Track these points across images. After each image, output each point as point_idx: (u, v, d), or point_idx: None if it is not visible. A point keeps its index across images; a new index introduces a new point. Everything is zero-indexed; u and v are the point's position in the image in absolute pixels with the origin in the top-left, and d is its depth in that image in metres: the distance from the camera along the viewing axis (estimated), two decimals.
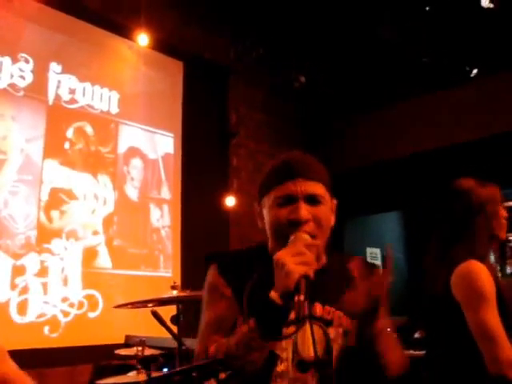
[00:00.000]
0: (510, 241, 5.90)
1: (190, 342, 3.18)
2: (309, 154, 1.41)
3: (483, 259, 1.80)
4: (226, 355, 1.19)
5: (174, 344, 2.95)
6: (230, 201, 5.20)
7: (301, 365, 1.27)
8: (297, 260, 1.14)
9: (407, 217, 7.95)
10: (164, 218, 4.64)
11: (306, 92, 5.90)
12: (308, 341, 1.26)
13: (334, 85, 5.90)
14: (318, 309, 1.30)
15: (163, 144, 4.75)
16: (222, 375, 1.53)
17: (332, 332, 1.29)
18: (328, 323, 1.30)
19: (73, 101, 4.13)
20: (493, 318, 1.68)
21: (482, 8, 4.65)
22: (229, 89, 5.47)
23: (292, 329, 1.13)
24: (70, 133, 4.07)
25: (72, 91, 4.14)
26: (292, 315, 1.11)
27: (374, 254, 7.20)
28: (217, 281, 1.37)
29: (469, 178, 1.96)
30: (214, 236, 5.01)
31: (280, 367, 1.27)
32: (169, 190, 4.73)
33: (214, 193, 5.11)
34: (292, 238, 1.22)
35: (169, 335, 3.32)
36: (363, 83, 5.79)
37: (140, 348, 2.86)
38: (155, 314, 2.15)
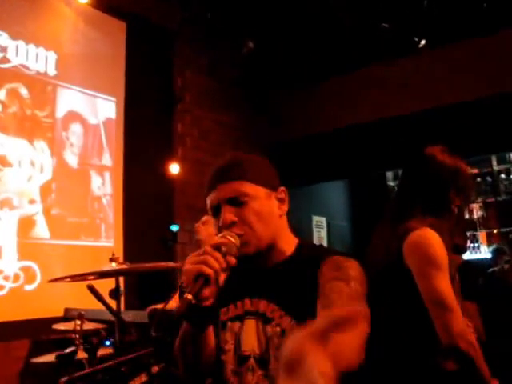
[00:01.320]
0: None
1: (130, 316, 3.09)
2: (245, 153, 1.44)
3: (439, 231, 1.77)
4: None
5: (111, 317, 2.86)
6: (175, 168, 5.06)
7: (239, 358, 1.32)
8: (195, 260, 1.18)
9: (353, 186, 8.06)
10: (105, 186, 4.46)
11: (254, 58, 5.78)
12: (247, 336, 1.31)
13: (281, 52, 5.80)
14: (263, 305, 1.32)
15: (104, 108, 4.53)
16: (155, 368, 1.49)
17: (269, 330, 1.30)
18: (268, 321, 1.30)
19: (4, 60, 3.84)
20: (446, 285, 1.67)
21: None
22: (175, 53, 5.27)
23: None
24: (1, 94, 3.79)
25: (3, 49, 3.84)
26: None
27: (319, 223, 7.27)
28: None
29: (436, 145, 1.93)
30: (158, 204, 4.89)
31: (223, 357, 1.34)
32: (110, 157, 4.54)
33: (157, 160, 4.95)
34: (219, 235, 1.26)
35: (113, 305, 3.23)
36: (312, 51, 5.71)
37: (79, 322, 2.76)
38: (91, 289, 2.04)
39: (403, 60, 5.55)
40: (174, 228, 4.90)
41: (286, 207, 1.39)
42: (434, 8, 4.90)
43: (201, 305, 1.18)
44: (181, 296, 2.57)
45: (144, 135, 4.80)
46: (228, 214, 1.29)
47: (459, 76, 5.28)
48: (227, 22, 5.42)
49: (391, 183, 6.39)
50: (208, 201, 1.36)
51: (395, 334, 1.80)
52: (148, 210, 4.68)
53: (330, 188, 7.64)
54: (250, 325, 1.31)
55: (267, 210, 1.33)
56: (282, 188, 1.40)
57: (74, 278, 2.18)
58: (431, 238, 1.73)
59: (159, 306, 2.98)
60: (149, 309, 3.00)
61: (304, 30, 5.42)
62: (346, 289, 1.19)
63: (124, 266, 2.28)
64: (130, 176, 4.62)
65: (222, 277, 1.21)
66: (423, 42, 5.35)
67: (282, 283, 1.32)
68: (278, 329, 1.28)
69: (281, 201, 1.39)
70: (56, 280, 2.34)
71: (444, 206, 1.86)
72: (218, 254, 1.18)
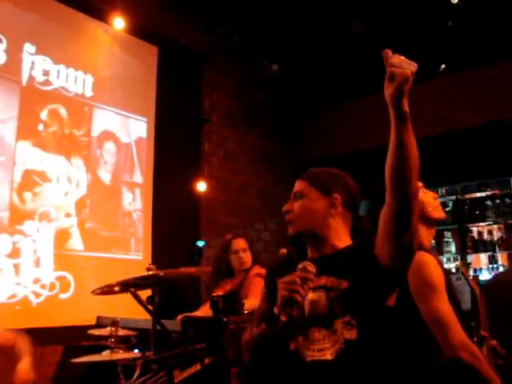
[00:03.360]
0: (471, 231, 6.16)
1: (165, 323, 3.26)
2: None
3: (428, 250, 1.93)
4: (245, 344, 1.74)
5: (146, 325, 3.03)
6: (201, 186, 5.27)
7: (306, 323, 1.63)
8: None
9: (374, 206, 8.15)
10: (136, 202, 4.69)
11: (278, 81, 5.99)
12: (310, 305, 1.63)
13: (305, 75, 5.99)
14: (323, 280, 1.65)
15: (136, 128, 4.78)
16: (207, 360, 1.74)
17: (331, 295, 1.62)
18: (329, 289, 1.63)
19: (47, 82, 4.12)
20: (443, 305, 1.81)
21: (451, 4, 4.82)
22: (202, 75, 5.51)
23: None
24: (43, 115, 4.06)
25: (46, 73, 4.12)
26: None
27: None
28: (263, 282, 1.88)
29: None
30: (185, 220, 5.08)
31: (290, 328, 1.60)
32: (141, 174, 4.77)
33: (185, 178, 5.17)
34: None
35: (140, 317, 3.41)
36: (334, 74, 5.89)
37: (113, 328, 2.92)
38: (134, 294, 2.22)
39: (421, 84, 5.70)
40: (200, 243, 5.10)
41: (335, 211, 1.73)
42: (456, 32, 5.05)
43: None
44: (212, 305, 2.75)
45: (173, 154, 5.02)
46: (288, 205, 1.77)
47: (474, 100, 5.42)
48: (252, 45, 5.65)
49: None
50: None
51: (405, 357, 1.94)
52: (175, 225, 4.88)
53: None
54: (312, 296, 1.63)
55: (313, 207, 1.73)
56: (336, 196, 1.74)
57: (119, 285, 2.36)
58: (427, 262, 1.89)
59: (190, 314, 3.17)
60: (180, 317, 3.18)
61: (327, 53, 5.61)
62: None
63: (162, 275, 2.45)
64: (158, 192, 4.84)
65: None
66: (443, 66, 5.51)
67: (341, 262, 1.66)
68: (338, 293, 1.60)
69: (332, 205, 1.73)
70: (96, 291, 2.51)
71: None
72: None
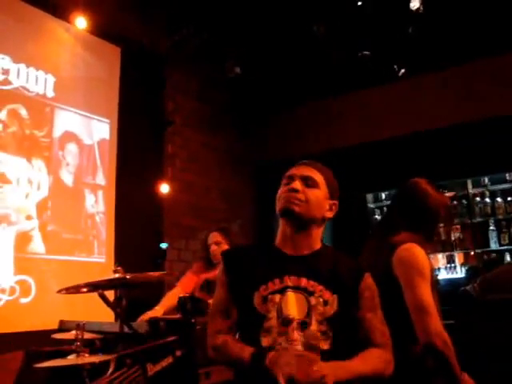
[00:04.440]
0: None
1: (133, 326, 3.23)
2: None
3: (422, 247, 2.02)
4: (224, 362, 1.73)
5: (111, 328, 2.99)
6: (164, 188, 5.24)
7: (283, 321, 1.62)
8: (291, 365, 1.46)
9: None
10: (98, 204, 4.62)
11: (241, 82, 6.01)
12: (289, 305, 1.63)
13: (266, 76, 6.04)
14: (303, 282, 1.67)
15: (99, 130, 4.72)
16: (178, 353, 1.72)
17: (313, 300, 1.64)
18: (310, 293, 1.65)
19: (6, 82, 4.02)
20: (427, 293, 1.91)
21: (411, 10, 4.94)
22: (166, 77, 5.48)
23: None
24: (2, 115, 3.96)
25: (5, 72, 4.02)
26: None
27: None
28: (220, 270, 1.81)
29: (422, 177, 2.21)
30: (148, 223, 5.05)
31: (266, 324, 1.63)
32: (104, 176, 4.71)
33: (148, 180, 5.14)
34: (279, 347, 1.57)
35: (106, 320, 3.36)
36: (294, 76, 5.96)
37: (79, 332, 2.88)
38: (103, 296, 2.20)
39: (382, 87, 5.84)
40: (164, 245, 5.07)
41: (329, 215, 1.78)
42: (414, 36, 5.18)
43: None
44: (180, 306, 2.74)
45: (136, 156, 4.98)
46: (298, 184, 1.71)
47: (436, 103, 5.58)
48: (215, 46, 5.66)
49: (371, 205, 6.62)
50: (286, 174, 1.78)
51: None
52: (138, 227, 4.84)
53: None
54: (291, 296, 1.64)
55: (321, 204, 1.74)
56: (336, 202, 1.79)
57: (85, 286, 2.33)
58: (418, 252, 1.99)
59: (151, 314, 3.15)
60: (141, 318, 3.15)
61: (288, 55, 5.67)
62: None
63: (129, 277, 2.43)
64: (121, 195, 4.79)
65: None
66: (403, 70, 5.64)
67: (318, 266, 1.70)
68: (321, 299, 1.64)
69: (330, 209, 1.78)
70: (61, 290, 2.47)
71: (427, 229, 2.14)
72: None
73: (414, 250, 1.99)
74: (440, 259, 6.28)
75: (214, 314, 1.78)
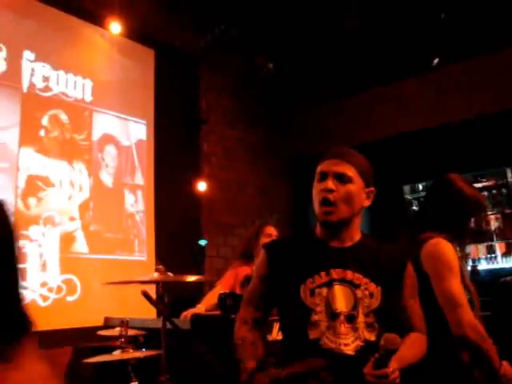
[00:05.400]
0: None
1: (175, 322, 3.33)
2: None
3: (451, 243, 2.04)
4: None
5: (154, 324, 3.09)
6: (202, 186, 5.33)
7: (331, 314, 1.66)
8: None
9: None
10: (138, 204, 4.75)
11: (274, 78, 6.04)
12: (337, 298, 1.66)
13: (302, 71, 6.05)
14: (349, 275, 1.69)
15: (136, 131, 4.84)
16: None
17: (359, 293, 1.67)
18: (356, 286, 1.68)
19: (47, 89, 4.17)
20: (457, 286, 1.92)
21: None
22: (199, 76, 5.57)
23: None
24: (45, 120, 4.12)
25: (46, 79, 4.18)
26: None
27: None
28: (261, 262, 1.84)
29: (456, 174, 2.20)
30: (187, 220, 5.15)
31: (314, 317, 1.66)
32: (142, 176, 4.83)
33: (185, 178, 5.24)
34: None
35: (149, 316, 3.47)
36: (326, 71, 5.95)
37: (123, 328, 2.98)
38: (146, 295, 2.28)
39: (416, 78, 5.78)
40: (203, 243, 5.17)
41: (367, 204, 1.78)
42: (447, 25, 5.11)
43: None
44: (220, 303, 2.81)
45: (173, 155, 5.09)
46: (331, 184, 1.70)
47: (473, 91, 5.49)
48: (247, 43, 5.70)
49: (408, 196, 6.57)
50: (319, 168, 1.76)
51: None
52: (177, 225, 4.95)
53: None
54: (338, 289, 1.67)
55: (357, 197, 1.73)
56: (373, 189, 1.78)
57: (129, 283, 2.43)
58: (445, 247, 2.01)
59: (193, 311, 3.23)
60: (184, 314, 3.24)
61: (320, 50, 5.68)
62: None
63: (171, 275, 2.51)
64: (160, 194, 4.90)
65: None
66: (437, 59, 5.57)
67: (362, 257, 1.73)
68: (367, 292, 1.67)
69: (368, 197, 1.77)
70: (112, 283, 2.58)
71: (459, 225, 2.15)
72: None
73: (441, 245, 2.00)
74: (480, 249, 6.19)
75: (246, 303, 1.84)
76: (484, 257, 6.09)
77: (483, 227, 2.33)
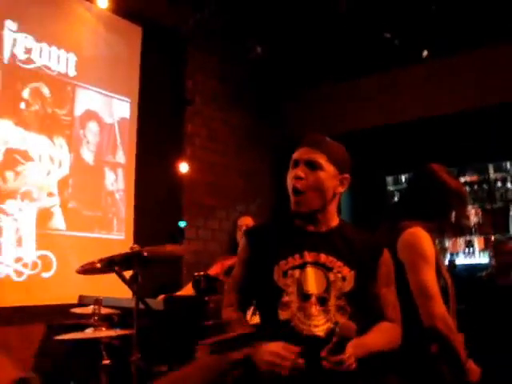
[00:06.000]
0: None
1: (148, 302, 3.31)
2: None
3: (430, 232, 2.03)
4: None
5: (128, 304, 3.07)
6: (184, 167, 5.29)
7: (303, 295, 1.68)
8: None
9: (355, 188, 8.22)
10: (118, 182, 4.70)
11: (262, 60, 5.99)
12: (309, 280, 1.69)
13: (288, 56, 6.00)
14: (323, 258, 1.72)
15: (120, 108, 4.77)
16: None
17: (332, 276, 1.70)
18: (329, 269, 1.70)
19: (29, 61, 4.08)
20: (431, 277, 1.93)
21: None
22: (186, 56, 5.49)
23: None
24: (26, 93, 4.03)
25: (28, 51, 4.07)
26: None
27: None
28: (242, 247, 1.88)
29: (438, 164, 2.20)
30: (167, 201, 5.11)
31: (285, 298, 1.69)
32: (124, 155, 4.77)
33: (167, 159, 5.19)
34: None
35: (123, 296, 3.45)
36: (317, 56, 5.91)
37: (97, 306, 2.96)
38: (119, 273, 2.26)
39: (404, 69, 5.77)
40: (182, 224, 5.15)
41: (341, 190, 1.79)
42: (439, 18, 5.08)
43: None
44: (194, 284, 2.81)
45: (156, 135, 5.03)
46: (301, 171, 1.74)
47: (459, 86, 5.49)
48: (236, 25, 5.63)
49: (391, 188, 6.60)
50: (293, 155, 1.81)
51: None
52: (158, 206, 4.91)
53: None
54: (311, 272, 1.69)
55: (327, 184, 1.75)
56: (347, 176, 1.79)
57: (102, 262, 2.39)
58: (422, 236, 2.01)
59: (172, 294, 3.22)
60: (161, 297, 3.23)
61: (311, 35, 5.63)
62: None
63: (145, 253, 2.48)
64: (141, 173, 4.85)
65: None
66: (425, 52, 5.56)
67: (337, 242, 1.76)
68: (340, 275, 1.69)
69: (341, 184, 1.79)
70: (84, 266, 2.54)
71: (440, 216, 2.14)
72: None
73: (418, 234, 2.00)
74: (459, 243, 6.25)
75: (230, 289, 1.88)
76: (462, 251, 6.15)
77: (464, 221, 2.31)
